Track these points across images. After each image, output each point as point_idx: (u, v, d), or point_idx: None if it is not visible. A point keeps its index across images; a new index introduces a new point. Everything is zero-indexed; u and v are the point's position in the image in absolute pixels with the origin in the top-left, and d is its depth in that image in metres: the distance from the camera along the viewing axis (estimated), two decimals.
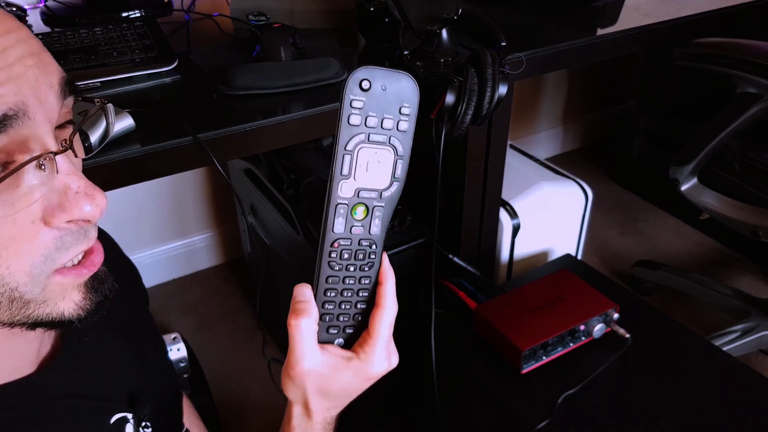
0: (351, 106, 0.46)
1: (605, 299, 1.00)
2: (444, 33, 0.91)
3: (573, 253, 1.37)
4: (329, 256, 0.51)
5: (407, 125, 0.47)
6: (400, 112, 0.47)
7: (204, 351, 1.50)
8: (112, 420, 0.53)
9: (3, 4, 0.96)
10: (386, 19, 0.95)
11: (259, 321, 1.62)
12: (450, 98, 0.82)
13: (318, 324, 0.52)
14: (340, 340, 0.53)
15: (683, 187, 1.28)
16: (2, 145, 0.37)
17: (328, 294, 0.52)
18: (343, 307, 0.52)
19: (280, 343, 1.54)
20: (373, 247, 0.51)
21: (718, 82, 1.17)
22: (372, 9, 0.96)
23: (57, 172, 0.39)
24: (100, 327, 0.56)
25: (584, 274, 1.13)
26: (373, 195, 0.49)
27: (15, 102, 0.37)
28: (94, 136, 0.61)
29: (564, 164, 1.59)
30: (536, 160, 1.42)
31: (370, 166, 0.48)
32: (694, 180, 1.28)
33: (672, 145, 1.35)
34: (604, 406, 0.91)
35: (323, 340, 0.53)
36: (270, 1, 1.06)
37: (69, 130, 0.42)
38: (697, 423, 0.88)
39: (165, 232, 1.75)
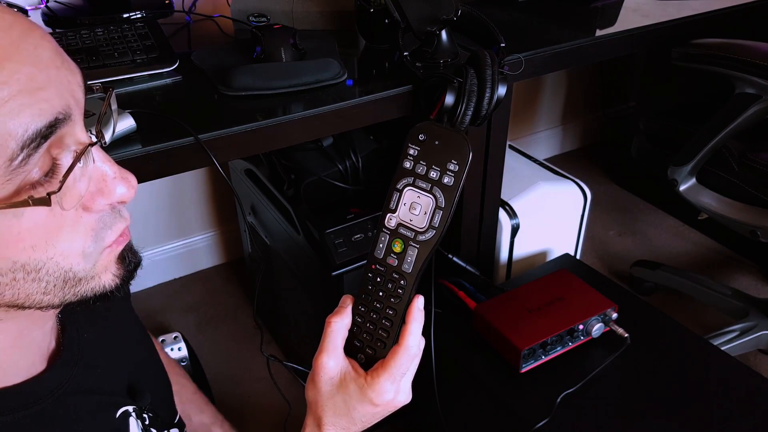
0: (407, 152, 0.53)
1: (604, 299, 1.00)
2: (443, 34, 0.91)
3: (572, 253, 1.38)
4: (367, 275, 0.56)
5: (450, 180, 0.52)
6: (446, 167, 0.51)
7: (205, 350, 1.51)
8: (117, 414, 0.54)
9: (4, 5, 0.96)
10: (386, 21, 0.95)
11: (257, 319, 1.62)
12: (449, 99, 0.83)
13: (348, 331, 0.57)
14: (361, 356, 0.57)
15: (682, 188, 1.29)
16: (48, 148, 0.38)
17: (360, 308, 0.56)
18: (368, 326, 0.56)
19: (279, 343, 1.54)
20: (402, 282, 0.54)
21: (717, 82, 1.17)
22: (372, 10, 0.96)
23: (93, 162, 0.42)
24: (95, 323, 0.57)
25: (583, 274, 1.13)
26: (410, 234, 0.54)
27: (62, 105, 0.39)
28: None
29: (563, 164, 1.59)
30: (535, 161, 1.42)
31: (413, 207, 0.53)
32: (693, 180, 1.28)
33: (671, 145, 1.35)
34: (603, 405, 0.91)
35: (347, 351, 0.56)
36: (270, 2, 1.07)
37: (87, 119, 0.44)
38: (696, 422, 0.88)
39: (166, 231, 1.76)
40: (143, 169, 0.73)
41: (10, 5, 0.98)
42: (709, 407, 0.91)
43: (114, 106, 0.48)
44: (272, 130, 0.80)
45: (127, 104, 0.77)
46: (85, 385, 0.52)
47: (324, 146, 1.16)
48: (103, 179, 0.42)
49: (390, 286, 0.55)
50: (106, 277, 0.46)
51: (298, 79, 0.85)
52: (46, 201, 0.38)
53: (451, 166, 0.51)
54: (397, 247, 0.54)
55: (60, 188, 0.38)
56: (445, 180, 0.52)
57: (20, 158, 0.36)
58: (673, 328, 1.05)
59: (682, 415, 0.89)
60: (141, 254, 0.50)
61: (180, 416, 0.69)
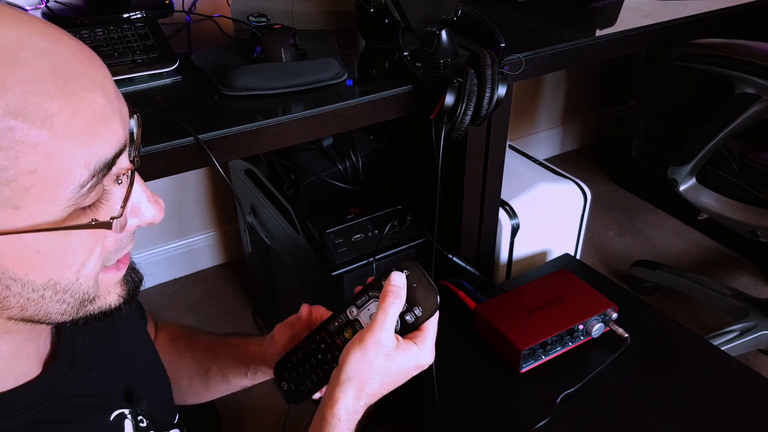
0: (389, 275, 0.60)
1: (604, 299, 1.00)
2: (443, 34, 0.91)
3: (572, 253, 1.38)
4: (315, 336, 0.66)
5: (411, 319, 0.60)
6: (412, 309, 0.60)
7: None
8: (112, 417, 0.54)
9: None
10: (386, 21, 0.95)
11: (257, 319, 1.62)
12: (449, 99, 0.83)
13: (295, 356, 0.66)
14: (285, 384, 0.67)
15: (682, 188, 1.29)
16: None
17: (299, 354, 0.66)
18: (302, 368, 0.66)
19: None
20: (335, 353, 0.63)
21: (717, 82, 1.17)
22: (372, 10, 0.96)
23: (131, 185, 0.43)
24: (92, 326, 0.56)
25: (583, 274, 1.13)
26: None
27: (124, 136, 0.41)
28: None
29: (563, 164, 1.59)
30: (535, 161, 1.42)
31: (370, 315, 0.61)
32: (693, 180, 1.28)
33: (671, 145, 1.35)
34: (603, 406, 0.91)
35: (285, 368, 0.67)
36: (270, 2, 1.07)
37: None
38: (696, 422, 0.88)
39: (166, 231, 1.76)
40: (144, 170, 0.72)
41: (10, 5, 0.97)
42: (709, 407, 0.91)
43: (135, 130, 0.50)
44: (272, 130, 0.80)
45: None
46: (80, 389, 0.52)
47: (324, 146, 1.16)
48: (138, 201, 0.44)
49: (329, 356, 0.64)
50: (112, 298, 0.47)
51: (298, 79, 0.85)
52: (108, 225, 0.40)
53: (417, 311, 0.60)
54: (348, 334, 0.62)
55: (122, 214, 0.41)
56: (407, 317, 0.60)
57: (89, 185, 0.38)
58: (673, 328, 1.05)
59: (682, 415, 0.89)
60: (142, 272, 0.52)
61: (178, 416, 0.69)
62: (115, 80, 0.86)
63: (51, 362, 0.51)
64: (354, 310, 0.63)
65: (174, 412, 0.68)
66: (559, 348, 0.97)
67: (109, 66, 0.90)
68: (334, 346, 0.63)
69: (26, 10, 1.00)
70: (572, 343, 0.98)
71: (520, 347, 0.92)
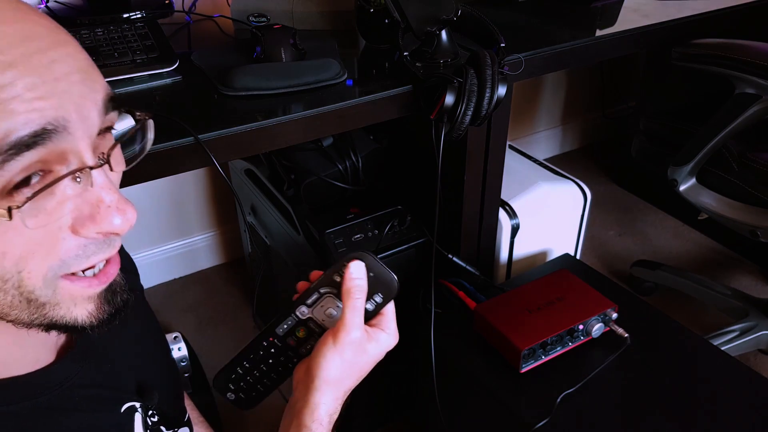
0: (346, 269, 0.57)
1: (604, 299, 1.00)
2: (443, 34, 0.91)
3: (572, 253, 1.38)
4: (262, 343, 0.62)
5: (372, 307, 0.58)
6: (372, 297, 0.58)
7: (205, 350, 1.50)
8: (122, 409, 0.54)
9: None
10: (386, 21, 0.95)
11: (257, 319, 1.62)
12: (449, 99, 0.83)
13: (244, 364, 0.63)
14: (231, 395, 0.66)
15: (682, 188, 1.29)
16: (40, 157, 0.37)
17: (245, 364, 0.63)
18: (251, 375, 0.64)
19: None
20: (296, 360, 0.62)
21: (717, 82, 1.17)
22: (372, 10, 0.96)
23: (92, 186, 0.40)
24: None
25: (583, 274, 1.13)
26: (319, 330, 0.60)
27: (55, 117, 0.37)
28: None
29: (563, 164, 1.59)
30: (535, 161, 1.42)
31: (329, 314, 0.60)
32: (693, 180, 1.28)
33: (671, 145, 1.35)
34: (603, 405, 0.91)
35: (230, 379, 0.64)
36: (270, 2, 1.07)
37: (109, 140, 0.43)
38: (696, 422, 0.88)
39: (166, 231, 1.76)
40: (143, 169, 0.72)
41: None
42: (708, 407, 0.91)
43: (150, 135, 0.47)
44: (272, 130, 0.80)
45: (126, 105, 0.77)
46: (93, 380, 0.52)
47: (324, 146, 1.16)
48: (97, 205, 0.40)
49: (282, 359, 0.62)
50: (79, 312, 0.44)
51: (298, 79, 0.85)
52: (4, 214, 0.36)
53: (377, 298, 0.57)
54: (301, 333, 0.61)
55: (23, 204, 0.36)
56: (368, 306, 0.58)
57: None
58: (673, 328, 1.05)
59: (682, 415, 0.89)
60: (129, 295, 0.48)
61: (189, 416, 0.69)
62: (115, 80, 0.86)
63: (66, 351, 0.51)
64: (304, 309, 0.60)
65: (184, 411, 0.68)
66: (559, 348, 0.97)
67: (109, 66, 0.90)
68: (287, 347, 0.61)
69: None
70: (572, 343, 0.98)
71: (520, 347, 0.92)
